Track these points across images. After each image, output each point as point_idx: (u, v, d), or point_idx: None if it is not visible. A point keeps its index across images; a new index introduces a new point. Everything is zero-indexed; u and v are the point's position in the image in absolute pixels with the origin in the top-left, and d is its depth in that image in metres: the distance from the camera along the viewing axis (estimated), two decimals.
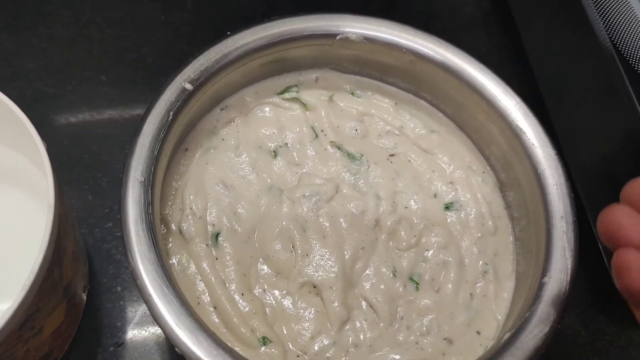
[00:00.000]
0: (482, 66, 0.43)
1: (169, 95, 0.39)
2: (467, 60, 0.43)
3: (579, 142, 0.47)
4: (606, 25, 0.42)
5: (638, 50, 0.41)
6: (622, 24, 0.42)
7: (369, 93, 0.47)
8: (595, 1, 0.44)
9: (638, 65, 0.41)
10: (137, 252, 0.34)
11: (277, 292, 0.40)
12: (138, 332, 0.44)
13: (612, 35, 0.42)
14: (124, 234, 0.34)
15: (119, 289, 0.45)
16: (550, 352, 0.34)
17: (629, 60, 0.41)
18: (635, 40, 0.42)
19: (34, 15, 0.57)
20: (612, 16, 0.43)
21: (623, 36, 0.42)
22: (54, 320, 0.37)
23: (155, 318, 0.33)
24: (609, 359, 0.46)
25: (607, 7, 0.43)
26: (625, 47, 0.42)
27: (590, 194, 0.46)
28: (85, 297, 0.43)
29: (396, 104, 0.47)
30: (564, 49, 0.49)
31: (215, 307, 0.38)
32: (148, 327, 0.44)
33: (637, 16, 0.42)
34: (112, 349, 0.43)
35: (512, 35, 0.58)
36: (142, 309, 0.45)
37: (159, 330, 0.44)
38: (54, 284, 0.35)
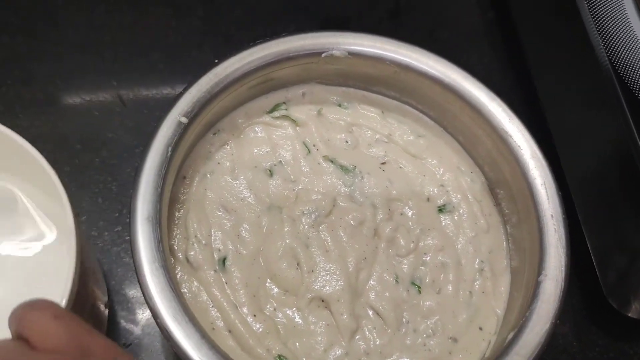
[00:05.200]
0: (465, 73, 0.44)
1: (165, 130, 0.39)
2: (451, 68, 0.44)
3: (576, 153, 0.49)
4: (605, 44, 0.44)
5: (634, 70, 0.43)
6: (619, 43, 0.44)
7: (356, 103, 0.48)
8: (596, 20, 0.45)
9: (633, 84, 0.43)
10: (155, 293, 0.35)
11: (287, 310, 0.41)
12: (145, 334, 0.45)
13: (610, 54, 0.44)
14: (139, 276, 0.35)
15: (126, 291, 0.47)
16: None
17: (624, 79, 0.43)
18: (632, 60, 0.43)
19: (47, 20, 0.57)
20: (611, 35, 0.45)
21: (620, 55, 0.44)
22: None
23: (180, 355, 0.34)
24: None
25: (607, 27, 0.45)
26: (622, 65, 0.44)
27: (587, 208, 0.48)
28: (107, 313, 0.44)
29: (383, 112, 0.48)
30: (564, 63, 0.51)
31: (230, 331, 0.39)
32: (155, 329, 0.45)
33: (637, 36, 0.44)
34: None
35: (515, 47, 0.59)
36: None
37: None
38: (81, 308, 0.36)
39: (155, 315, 0.34)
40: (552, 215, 0.40)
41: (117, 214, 0.49)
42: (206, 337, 0.35)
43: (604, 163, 0.46)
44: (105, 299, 0.43)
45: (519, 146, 0.42)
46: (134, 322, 0.46)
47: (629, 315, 0.45)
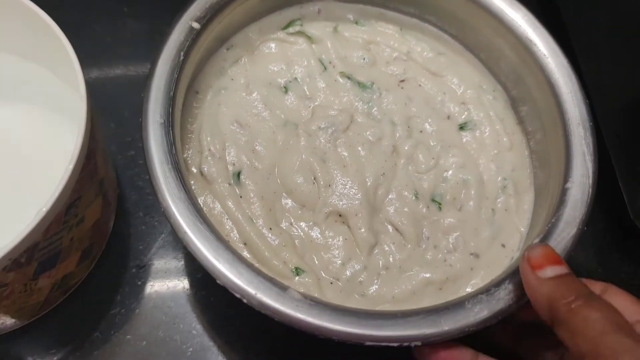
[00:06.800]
0: None
1: (177, 35, 0.38)
2: None
3: (604, 79, 0.47)
4: None
5: None
6: None
7: (373, 21, 0.47)
8: None
9: None
10: (167, 192, 0.34)
11: (303, 224, 0.40)
12: (159, 256, 0.45)
13: None
14: (152, 176, 0.34)
15: (141, 214, 0.47)
16: None
17: None
18: None
19: None
20: None
21: None
22: (93, 212, 0.38)
23: (194, 253, 0.33)
24: None
25: None
26: None
27: (612, 125, 0.45)
28: (116, 200, 0.44)
29: (401, 29, 0.47)
30: None
31: (245, 244, 0.38)
32: (168, 251, 0.45)
33: None
34: (134, 270, 0.45)
35: None
36: (164, 234, 0.46)
37: (179, 254, 0.45)
38: (91, 174, 0.35)
39: (167, 214, 0.33)
40: (579, 123, 0.38)
41: (129, 139, 0.48)
42: (221, 238, 0.34)
43: (634, 78, 0.44)
44: (114, 186, 0.43)
45: (545, 55, 0.41)
46: (148, 244, 0.45)
47: None
